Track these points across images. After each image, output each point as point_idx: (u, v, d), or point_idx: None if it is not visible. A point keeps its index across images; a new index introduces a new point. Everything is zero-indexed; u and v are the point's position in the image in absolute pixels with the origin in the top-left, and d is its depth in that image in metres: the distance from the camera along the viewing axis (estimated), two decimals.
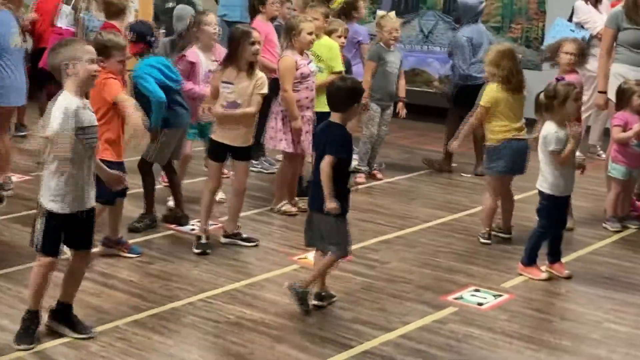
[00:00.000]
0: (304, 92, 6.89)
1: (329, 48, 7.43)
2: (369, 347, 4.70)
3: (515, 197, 6.66)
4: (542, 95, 5.76)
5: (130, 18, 7.68)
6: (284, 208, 7.09)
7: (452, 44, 8.93)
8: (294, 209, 7.10)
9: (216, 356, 4.56)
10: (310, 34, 6.83)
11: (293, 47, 6.86)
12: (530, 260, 5.85)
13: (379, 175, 8.43)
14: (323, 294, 5.23)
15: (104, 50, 5.68)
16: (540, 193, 5.83)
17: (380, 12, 8.80)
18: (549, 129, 5.70)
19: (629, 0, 7.26)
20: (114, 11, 7.52)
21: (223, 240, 6.28)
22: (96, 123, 4.65)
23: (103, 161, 5.05)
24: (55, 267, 4.64)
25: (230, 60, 6.05)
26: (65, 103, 4.39)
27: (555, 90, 5.67)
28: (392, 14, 8.60)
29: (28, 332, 4.61)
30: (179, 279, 5.57)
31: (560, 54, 6.60)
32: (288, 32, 6.93)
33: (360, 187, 8.03)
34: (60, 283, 4.74)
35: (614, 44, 7.48)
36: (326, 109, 6.58)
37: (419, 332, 4.91)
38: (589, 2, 9.36)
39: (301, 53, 6.88)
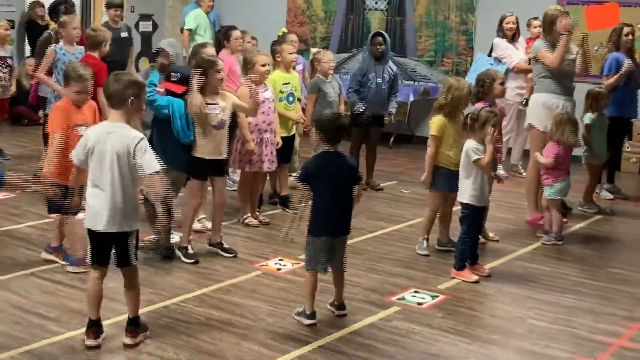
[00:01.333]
0: (260, 117, 6.92)
1: (297, 80, 7.74)
2: (323, 342, 4.73)
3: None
4: (467, 117, 5.92)
5: (106, 48, 7.65)
6: (247, 221, 7.12)
7: (397, 76, 8.91)
8: (255, 222, 7.13)
9: (189, 353, 4.52)
10: (263, 65, 6.87)
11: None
12: (461, 265, 5.95)
13: None
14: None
15: (65, 77, 5.76)
16: (462, 204, 5.96)
17: (314, 49, 8.91)
18: (469, 145, 5.85)
19: (555, 37, 7.31)
20: (91, 44, 7.54)
21: (207, 248, 6.25)
22: None
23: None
24: None
25: (201, 88, 6.00)
26: None
27: (478, 114, 5.83)
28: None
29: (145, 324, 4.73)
30: (154, 285, 5.53)
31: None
32: (244, 66, 7.00)
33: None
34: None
35: (539, 73, 7.51)
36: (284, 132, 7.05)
37: (367, 329, 4.96)
38: (505, 39, 9.54)
39: (258, 83, 6.90)
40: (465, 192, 5.92)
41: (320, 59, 8.10)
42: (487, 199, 6.06)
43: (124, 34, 9.91)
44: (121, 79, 4.56)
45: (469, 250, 5.99)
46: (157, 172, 4.44)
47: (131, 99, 4.49)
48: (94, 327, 4.60)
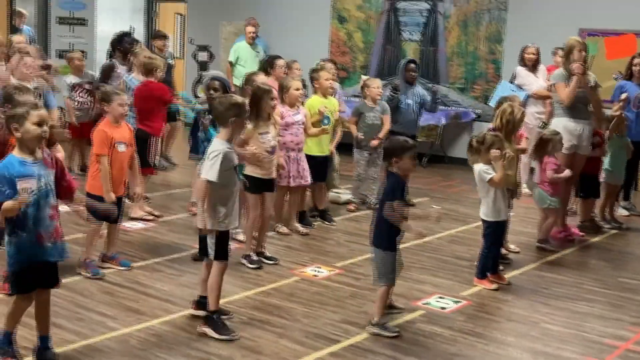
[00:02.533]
0: (289, 137, 6.96)
1: (334, 105, 7.77)
2: (353, 341, 4.78)
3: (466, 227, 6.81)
4: (474, 140, 5.90)
5: (159, 74, 7.82)
6: (278, 229, 7.25)
7: (426, 99, 8.87)
8: (285, 229, 7.24)
9: (231, 349, 4.59)
10: (297, 89, 6.97)
11: (284, 101, 7.00)
12: (482, 275, 5.97)
13: None
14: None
15: (105, 98, 5.91)
16: (484, 221, 5.97)
17: (364, 77, 8.98)
18: (479, 168, 5.84)
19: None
20: (144, 71, 7.75)
21: (255, 257, 6.30)
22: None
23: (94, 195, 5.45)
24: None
25: (255, 113, 6.08)
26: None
27: (485, 137, 5.82)
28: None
29: (221, 325, 4.79)
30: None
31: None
32: (280, 90, 7.04)
33: (351, 214, 8.21)
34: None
35: (558, 100, 7.47)
36: (318, 152, 7.11)
37: None
38: (526, 68, 9.49)
39: (292, 106, 6.99)
40: (487, 210, 5.92)
41: (370, 85, 8.20)
42: (506, 213, 6.06)
43: (170, 61, 10.19)
44: (223, 102, 4.81)
45: (490, 261, 6.01)
46: (206, 180, 4.65)
47: (232, 119, 4.72)
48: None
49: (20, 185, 4.00)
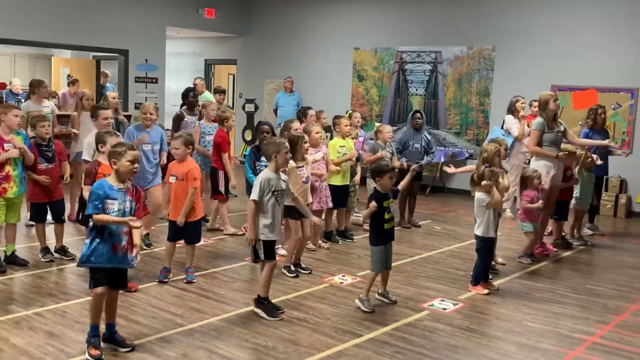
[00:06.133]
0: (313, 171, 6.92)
1: (350, 145, 7.78)
2: (373, 335, 4.81)
3: (462, 244, 6.73)
4: (474, 175, 5.96)
5: (230, 123, 7.82)
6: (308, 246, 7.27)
7: (431, 141, 8.89)
8: (313, 246, 7.25)
9: (275, 340, 4.64)
10: (317, 133, 6.97)
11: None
12: (476, 282, 5.97)
13: None
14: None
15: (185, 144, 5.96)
16: (477, 237, 5.97)
17: (377, 124, 9.07)
18: (478, 195, 5.88)
19: (548, 114, 7.19)
20: (219, 120, 7.86)
21: (293, 268, 6.33)
22: (284, 187, 5.08)
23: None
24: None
25: (293, 154, 6.15)
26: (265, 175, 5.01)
27: (483, 172, 5.88)
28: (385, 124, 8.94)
29: (270, 309, 5.07)
30: (252, 292, 5.64)
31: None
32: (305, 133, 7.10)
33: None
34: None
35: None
36: (340, 182, 7.10)
37: (405, 327, 5.01)
38: (513, 116, 9.40)
39: (314, 146, 6.95)
40: (479, 228, 5.95)
41: (382, 131, 8.27)
42: (495, 232, 6.05)
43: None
44: (267, 143, 5.14)
45: (482, 271, 6.03)
46: (251, 199, 4.96)
47: (273, 154, 5.02)
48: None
49: (106, 204, 4.19)
